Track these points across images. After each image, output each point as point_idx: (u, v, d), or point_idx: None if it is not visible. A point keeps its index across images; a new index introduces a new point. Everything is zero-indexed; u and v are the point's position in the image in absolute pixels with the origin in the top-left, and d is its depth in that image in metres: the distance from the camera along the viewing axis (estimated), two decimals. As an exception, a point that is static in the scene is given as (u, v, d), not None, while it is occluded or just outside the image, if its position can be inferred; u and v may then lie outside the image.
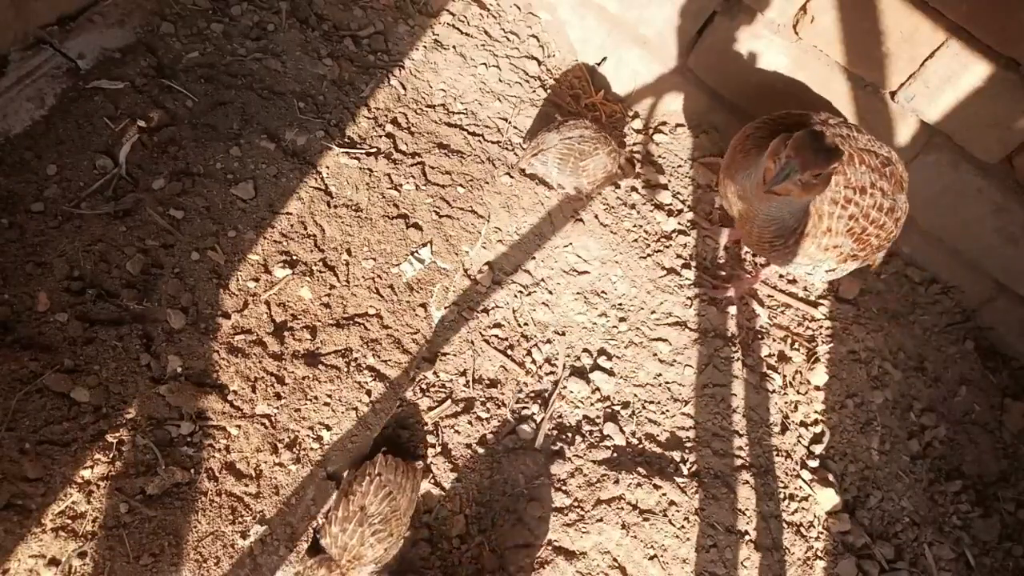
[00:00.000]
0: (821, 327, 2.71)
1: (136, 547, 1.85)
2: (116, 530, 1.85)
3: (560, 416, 2.33)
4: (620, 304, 2.58)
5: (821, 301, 2.77)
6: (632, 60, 3.00)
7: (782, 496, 2.37)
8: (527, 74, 2.97)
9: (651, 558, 2.18)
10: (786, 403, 2.53)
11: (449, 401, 2.27)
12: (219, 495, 1.97)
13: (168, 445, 1.98)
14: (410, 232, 2.49)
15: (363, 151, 2.58)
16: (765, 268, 2.69)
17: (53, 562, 1.79)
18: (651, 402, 2.43)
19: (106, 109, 2.36)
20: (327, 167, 2.51)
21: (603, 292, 2.58)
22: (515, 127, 2.83)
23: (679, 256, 2.73)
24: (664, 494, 2.26)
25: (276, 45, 2.69)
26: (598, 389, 2.40)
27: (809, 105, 2.71)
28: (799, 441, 2.48)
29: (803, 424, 2.52)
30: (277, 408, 2.11)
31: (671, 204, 2.83)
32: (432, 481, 2.14)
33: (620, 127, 3.00)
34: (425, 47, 2.89)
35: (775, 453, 2.43)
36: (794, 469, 2.42)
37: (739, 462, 2.38)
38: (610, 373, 2.44)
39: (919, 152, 2.63)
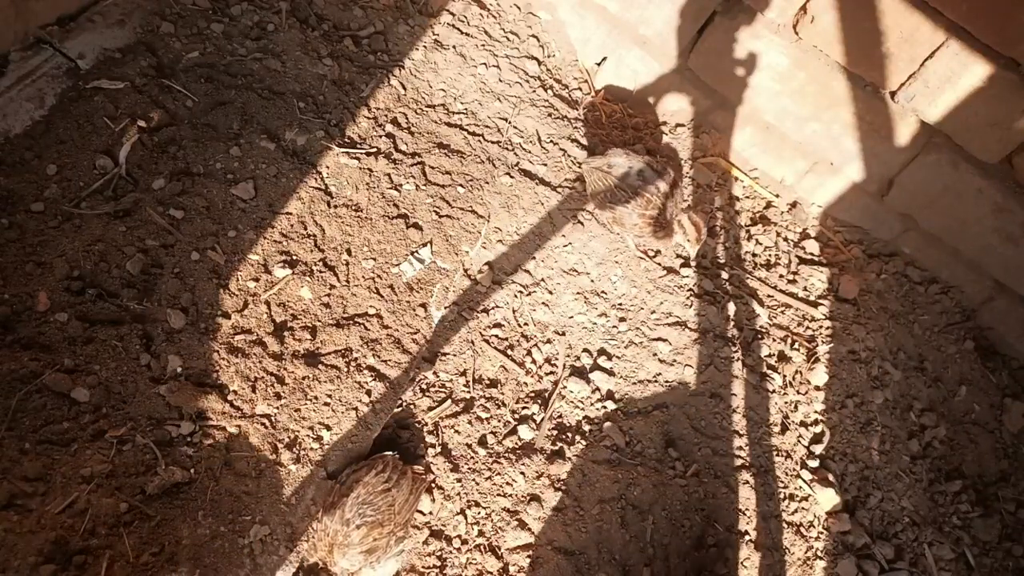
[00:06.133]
0: (821, 327, 2.71)
1: (136, 547, 1.85)
2: (116, 529, 1.85)
3: (560, 416, 2.33)
4: (620, 304, 2.58)
5: (821, 301, 2.77)
6: (632, 60, 3.00)
7: (782, 496, 2.37)
8: (527, 74, 2.97)
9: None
10: (786, 403, 2.53)
11: (449, 401, 2.27)
12: (219, 495, 1.97)
13: (168, 445, 1.98)
14: (410, 232, 2.49)
15: (363, 151, 2.58)
16: None
17: (53, 561, 1.79)
18: (651, 402, 2.43)
19: (106, 109, 2.36)
20: (327, 167, 2.51)
21: (603, 292, 2.58)
22: (515, 127, 2.83)
23: (679, 256, 2.73)
24: (664, 494, 2.26)
25: (276, 45, 2.69)
26: (598, 389, 2.40)
27: (810, 106, 2.72)
28: (799, 441, 2.48)
29: (803, 424, 2.52)
30: (277, 408, 2.11)
31: (671, 204, 2.82)
32: (432, 482, 2.14)
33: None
34: (425, 47, 2.89)
35: (775, 453, 2.43)
36: (794, 469, 2.42)
37: (739, 462, 2.38)
38: (610, 373, 2.44)
39: (919, 152, 2.63)
